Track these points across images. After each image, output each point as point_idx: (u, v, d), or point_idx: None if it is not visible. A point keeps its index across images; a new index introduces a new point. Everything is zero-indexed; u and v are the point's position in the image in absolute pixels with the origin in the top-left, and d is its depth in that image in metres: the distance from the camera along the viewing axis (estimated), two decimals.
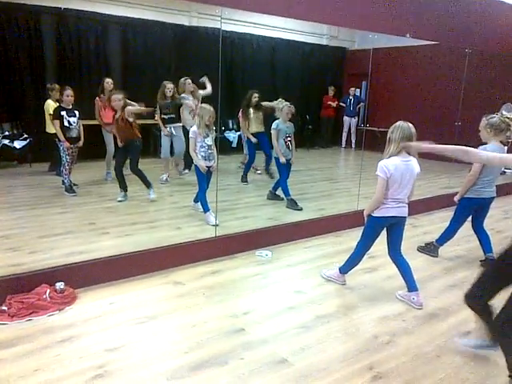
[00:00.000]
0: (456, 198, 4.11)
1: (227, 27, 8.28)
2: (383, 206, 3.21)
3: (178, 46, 8.77)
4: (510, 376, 2.24)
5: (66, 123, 5.56)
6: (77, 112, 5.68)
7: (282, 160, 5.47)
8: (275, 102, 6.12)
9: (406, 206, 3.29)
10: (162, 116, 6.50)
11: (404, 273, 3.40)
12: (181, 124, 6.64)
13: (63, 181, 5.71)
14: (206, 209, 4.78)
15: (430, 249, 4.40)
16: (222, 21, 4.96)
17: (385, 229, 3.40)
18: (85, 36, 7.87)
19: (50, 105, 6.02)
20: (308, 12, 4.31)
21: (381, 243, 4.34)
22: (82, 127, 5.80)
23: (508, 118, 3.66)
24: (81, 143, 5.76)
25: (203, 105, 4.89)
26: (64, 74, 7.61)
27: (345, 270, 3.63)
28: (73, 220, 4.76)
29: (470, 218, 4.22)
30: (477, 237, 4.23)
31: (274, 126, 5.49)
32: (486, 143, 3.80)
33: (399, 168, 3.10)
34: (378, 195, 3.15)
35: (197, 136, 4.70)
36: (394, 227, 3.36)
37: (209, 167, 4.81)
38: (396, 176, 3.10)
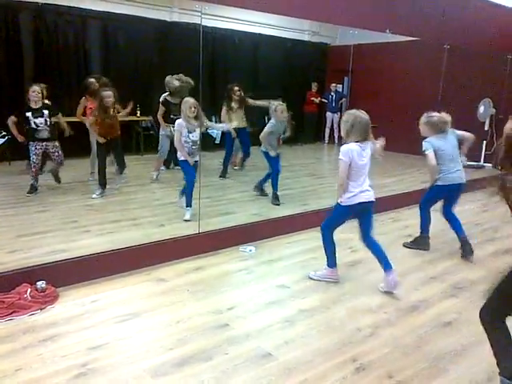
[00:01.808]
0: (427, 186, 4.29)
1: (209, 23, 8.19)
2: (349, 193, 3.33)
3: (159, 41, 8.67)
4: (499, 374, 2.25)
5: (32, 125, 5.29)
6: (46, 111, 5.37)
7: (273, 153, 5.43)
8: (267, 101, 6.15)
9: (371, 190, 3.42)
10: (171, 116, 6.28)
11: (378, 254, 3.48)
12: None
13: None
14: (188, 204, 4.77)
15: (417, 243, 4.41)
16: (203, 16, 4.95)
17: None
18: (64, 32, 7.72)
19: None
20: (288, 7, 4.32)
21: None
22: (62, 124, 5.59)
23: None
24: (52, 144, 5.46)
25: (186, 98, 4.85)
26: (42, 70, 7.46)
27: (332, 262, 3.63)
28: (54, 218, 4.69)
29: (438, 208, 4.36)
30: (449, 223, 4.37)
31: (268, 127, 5.40)
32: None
33: (359, 153, 3.28)
34: (343, 178, 3.28)
35: (182, 129, 4.67)
36: (364, 213, 3.46)
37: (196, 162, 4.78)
38: (356, 161, 3.27)
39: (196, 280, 3.57)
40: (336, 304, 3.25)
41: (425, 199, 4.43)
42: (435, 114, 4.19)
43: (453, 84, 7.29)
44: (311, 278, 3.64)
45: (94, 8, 7.74)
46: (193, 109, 4.60)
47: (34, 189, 5.50)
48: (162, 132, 6.52)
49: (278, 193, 5.59)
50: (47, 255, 3.61)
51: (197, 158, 4.82)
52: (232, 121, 6.58)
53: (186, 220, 4.66)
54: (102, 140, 5.46)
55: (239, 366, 2.48)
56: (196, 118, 4.68)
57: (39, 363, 2.43)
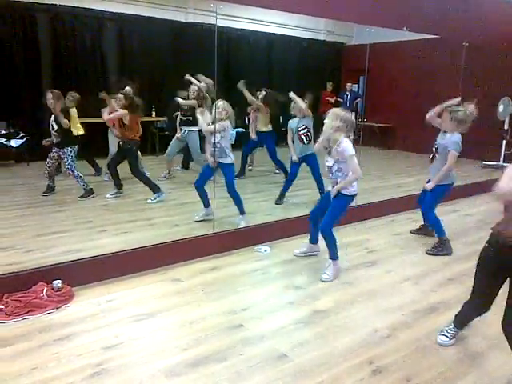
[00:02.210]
0: (430, 187, 4.17)
1: (223, 23, 8.20)
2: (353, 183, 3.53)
3: (174, 42, 8.72)
4: None
5: (50, 127, 5.48)
6: (58, 119, 5.37)
7: (294, 158, 5.35)
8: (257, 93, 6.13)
9: None
10: (180, 117, 6.41)
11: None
12: (197, 128, 6.29)
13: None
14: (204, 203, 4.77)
15: (440, 248, 4.24)
16: (218, 16, 4.94)
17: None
18: (81, 33, 7.83)
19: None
20: (303, 5, 4.28)
21: (380, 238, 4.34)
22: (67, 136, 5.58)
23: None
24: (62, 151, 5.44)
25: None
26: (59, 72, 7.57)
27: (334, 255, 3.66)
28: (70, 218, 4.74)
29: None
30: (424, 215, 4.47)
31: (290, 126, 5.42)
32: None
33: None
34: (359, 171, 3.46)
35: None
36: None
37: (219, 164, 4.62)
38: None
39: (211, 280, 3.56)
40: (352, 305, 3.21)
41: (431, 202, 4.28)
42: (459, 107, 4.09)
43: (472, 82, 7.16)
44: (325, 281, 3.58)
45: (109, 9, 7.83)
46: (219, 113, 4.49)
47: (50, 189, 5.57)
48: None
49: (292, 192, 5.56)
50: (63, 255, 3.64)
51: (219, 160, 4.59)
52: (259, 125, 6.58)
53: (195, 221, 4.69)
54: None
55: (254, 367, 2.45)
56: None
57: (55, 362, 2.44)
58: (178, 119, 6.53)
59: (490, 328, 2.88)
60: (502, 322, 2.33)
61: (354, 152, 3.42)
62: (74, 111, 5.96)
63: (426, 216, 4.42)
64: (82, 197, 5.48)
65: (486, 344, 2.73)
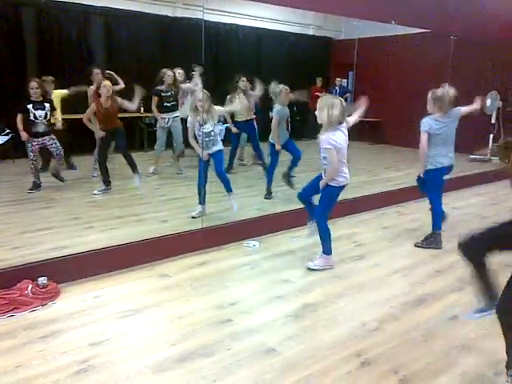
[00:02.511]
0: (421, 174, 4.18)
1: (212, 18, 8.20)
2: (340, 174, 3.50)
3: (162, 36, 8.65)
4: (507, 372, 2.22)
5: (31, 117, 5.28)
6: (47, 105, 5.41)
7: (278, 147, 5.35)
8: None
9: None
10: (164, 103, 6.35)
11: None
12: (179, 114, 6.47)
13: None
14: (201, 201, 4.69)
15: (430, 241, 4.22)
16: (206, 11, 4.89)
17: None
18: (67, 28, 7.72)
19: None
20: None
21: (369, 231, 4.35)
22: (58, 119, 5.69)
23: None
24: (49, 137, 5.41)
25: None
26: (46, 67, 7.44)
27: (327, 249, 3.66)
28: (56, 215, 4.68)
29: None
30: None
31: (275, 111, 5.29)
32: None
33: (340, 137, 3.43)
34: (336, 164, 3.42)
35: (193, 123, 4.57)
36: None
37: (210, 154, 4.63)
38: (341, 145, 3.43)
39: (199, 275, 3.53)
40: (341, 298, 3.20)
41: (431, 191, 4.27)
42: (440, 89, 4.09)
43: (459, 76, 7.19)
44: (311, 269, 3.65)
45: (96, 4, 7.73)
46: (202, 102, 4.46)
47: (36, 186, 5.49)
48: (158, 125, 6.52)
49: (282, 188, 5.54)
50: (50, 251, 3.59)
51: (211, 151, 4.62)
52: (237, 114, 6.51)
53: (192, 217, 4.58)
54: (100, 134, 5.45)
55: (242, 362, 2.44)
56: (207, 111, 4.54)
57: (40, 359, 2.40)
58: (156, 108, 6.42)
59: (479, 319, 2.90)
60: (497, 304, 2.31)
61: (330, 146, 3.36)
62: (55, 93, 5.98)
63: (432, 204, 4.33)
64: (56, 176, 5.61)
65: (473, 334, 2.74)
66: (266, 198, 5.53)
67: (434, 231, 4.23)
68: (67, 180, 5.84)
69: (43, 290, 3.03)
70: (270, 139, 5.46)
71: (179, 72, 6.60)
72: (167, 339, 2.63)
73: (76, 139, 6.23)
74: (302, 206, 5.08)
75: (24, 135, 5.28)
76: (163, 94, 6.34)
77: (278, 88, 5.28)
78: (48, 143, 5.42)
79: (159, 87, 6.36)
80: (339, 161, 3.44)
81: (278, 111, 5.27)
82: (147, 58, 8.49)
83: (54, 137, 5.47)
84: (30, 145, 5.34)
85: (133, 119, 7.71)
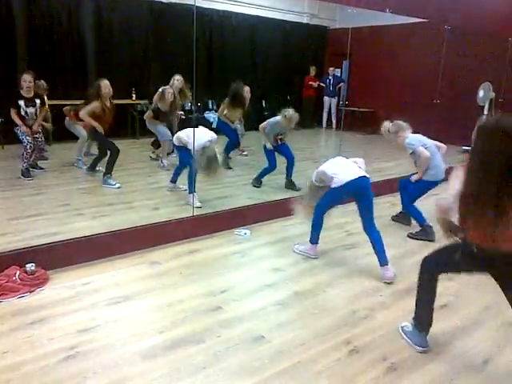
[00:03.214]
0: (414, 179, 4.29)
1: (205, 4, 8.09)
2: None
3: (154, 22, 8.49)
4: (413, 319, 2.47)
5: (22, 113, 5.26)
6: (38, 101, 5.38)
7: (269, 146, 5.39)
8: None
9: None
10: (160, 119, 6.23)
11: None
12: None
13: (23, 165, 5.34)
14: (191, 189, 4.62)
15: (421, 233, 4.28)
16: None
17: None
18: (57, 14, 7.55)
19: None
20: None
21: (359, 220, 4.33)
22: (47, 114, 5.67)
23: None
24: (35, 128, 5.41)
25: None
26: (35, 54, 7.31)
27: (313, 238, 3.67)
28: (46, 202, 4.63)
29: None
30: (402, 199, 4.53)
31: (272, 124, 5.30)
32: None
33: None
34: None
35: None
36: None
37: None
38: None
39: (189, 263, 3.52)
40: (331, 287, 3.21)
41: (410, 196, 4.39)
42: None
43: (453, 67, 7.18)
44: (294, 251, 3.74)
45: None
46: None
47: (28, 171, 5.38)
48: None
49: (274, 177, 5.53)
50: (38, 238, 3.55)
51: None
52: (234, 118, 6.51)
53: (197, 207, 4.40)
54: (101, 129, 5.29)
55: (231, 349, 2.44)
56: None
57: (27, 346, 2.39)
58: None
59: (467, 308, 2.92)
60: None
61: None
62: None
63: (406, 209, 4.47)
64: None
65: (462, 323, 2.76)
66: (254, 186, 5.51)
67: (422, 224, 4.27)
68: (56, 166, 5.78)
69: (31, 276, 3.00)
70: (262, 143, 5.49)
71: (178, 79, 6.40)
72: (156, 326, 2.62)
73: (62, 126, 6.13)
74: (294, 194, 5.11)
75: (24, 129, 5.24)
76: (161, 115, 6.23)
77: (287, 112, 5.26)
78: (35, 135, 5.44)
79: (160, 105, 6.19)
80: None
81: (276, 124, 5.29)
82: (139, 44, 8.37)
83: (40, 131, 5.55)
84: (20, 132, 5.28)
85: (124, 106, 7.61)
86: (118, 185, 5.23)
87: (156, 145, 6.58)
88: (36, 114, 5.38)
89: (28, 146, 5.27)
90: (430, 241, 4.17)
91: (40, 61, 7.03)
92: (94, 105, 5.19)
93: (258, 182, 5.60)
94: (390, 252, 3.83)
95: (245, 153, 7.28)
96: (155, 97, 6.20)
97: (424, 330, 2.48)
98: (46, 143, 6.06)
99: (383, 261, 3.38)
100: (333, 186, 3.48)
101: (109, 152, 5.34)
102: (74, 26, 7.82)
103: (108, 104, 5.28)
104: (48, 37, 7.54)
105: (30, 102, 5.30)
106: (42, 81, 5.99)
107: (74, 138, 6.12)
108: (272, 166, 5.51)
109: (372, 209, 3.52)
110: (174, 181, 5.13)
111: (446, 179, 4.18)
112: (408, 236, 4.27)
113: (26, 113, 5.29)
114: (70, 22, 7.75)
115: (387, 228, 4.44)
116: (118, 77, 5.97)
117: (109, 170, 5.29)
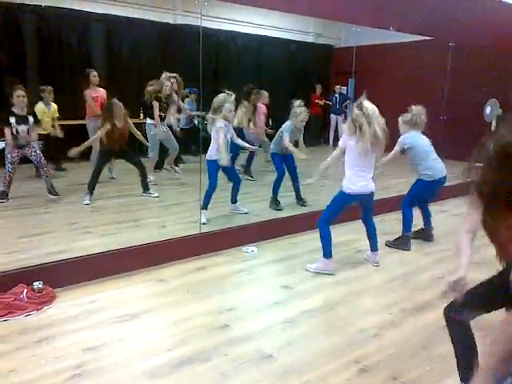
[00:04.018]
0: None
1: (212, 25, 8.22)
2: (351, 181, 3.67)
3: (162, 44, 8.66)
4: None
5: (13, 131, 4.92)
6: (30, 118, 5.08)
7: (302, 155, 5.23)
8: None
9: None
10: (160, 114, 6.30)
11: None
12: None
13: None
14: (205, 206, 4.61)
15: (401, 242, 4.34)
16: (206, 18, 4.90)
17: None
18: (67, 34, 7.73)
19: (40, 108, 5.88)
20: (289, 4, 4.26)
21: (366, 238, 4.29)
22: (35, 133, 5.18)
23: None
24: (28, 147, 5.07)
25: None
26: (45, 73, 7.45)
27: (327, 253, 3.66)
28: (54, 220, 4.65)
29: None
30: (422, 214, 4.57)
31: (286, 129, 5.21)
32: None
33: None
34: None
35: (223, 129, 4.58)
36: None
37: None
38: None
39: (197, 280, 3.50)
40: (339, 304, 3.17)
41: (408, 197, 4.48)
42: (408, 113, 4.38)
43: (459, 84, 7.20)
44: (307, 270, 3.70)
45: (96, 11, 7.75)
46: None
47: (4, 195, 5.05)
48: (152, 132, 6.30)
49: (282, 194, 5.50)
50: (46, 256, 3.54)
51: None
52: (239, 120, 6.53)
53: (204, 223, 4.42)
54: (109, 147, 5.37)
55: (239, 368, 2.40)
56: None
57: (33, 364, 2.37)
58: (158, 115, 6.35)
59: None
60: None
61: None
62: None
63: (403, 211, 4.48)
64: None
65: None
66: (276, 210, 5.30)
67: (406, 233, 4.36)
68: (65, 186, 5.81)
69: (38, 294, 3.00)
70: (270, 150, 5.46)
71: (173, 80, 6.59)
72: (163, 344, 2.60)
73: (71, 145, 6.19)
74: (300, 211, 5.10)
75: (10, 147, 4.95)
76: (162, 104, 6.36)
77: (297, 109, 5.26)
78: (28, 152, 5.10)
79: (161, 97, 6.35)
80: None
81: (289, 130, 5.22)
82: (148, 64, 8.50)
83: (34, 145, 5.15)
84: (9, 156, 4.98)
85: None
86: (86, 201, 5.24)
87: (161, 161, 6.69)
88: (28, 132, 5.02)
89: (7, 175, 5.01)
90: (404, 250, 4.28)
91: (48, 81, 7.13)
92: (105, 128, 5.24)
93: (276, 203, 5.38)
94: (400, 270, 3.82)
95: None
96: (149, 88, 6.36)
97: None
98: (55, 162, 6.00)
99: (374, 247, 3.84)
100: (343, 189, 3.65)
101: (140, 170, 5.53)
102: (83, 47, 8.00)
103: (119, 124, 5.31)
104: (57, 57, 7.70)
105: (21, 119, 4.99)
106: (49, 87, 6.13)
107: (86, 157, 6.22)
108: (280, 174, 5.40)
109: (372, 206, 3.87)
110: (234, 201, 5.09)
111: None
112: (386, 244, 4.36)
113: (16, 131, 4.95)
114: (79, 43, 7.92)
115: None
116: (125, 97, 6.02)
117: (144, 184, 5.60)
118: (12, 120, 4.92)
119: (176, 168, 6.68)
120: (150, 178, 6.15)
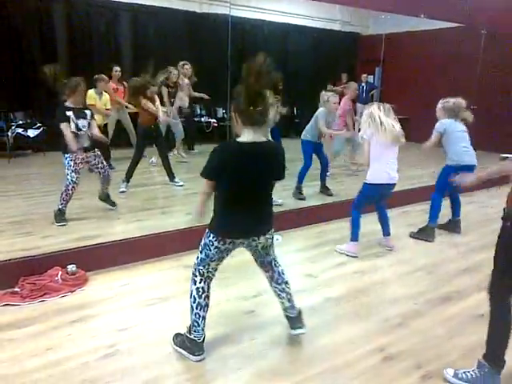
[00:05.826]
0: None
1: (238, 13, 8.20)
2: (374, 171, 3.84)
3: (188, 32, 8.71)
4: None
5: (73, 127, 4.08)
6: (88, 111, 4.26)
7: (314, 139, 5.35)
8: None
9: None
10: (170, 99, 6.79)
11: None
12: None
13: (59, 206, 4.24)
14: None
15: (425, 233, 4.32)
16: (232, 7, 4.92)
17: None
18: (96, 23, 7.87)
19: (91, 95, 5.90)
20: None
21: (393, 228, 4.29)
22: (97, 131, 4.35)
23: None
24: (94, 154, 4.32)
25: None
26: (75, 63, 7.61)
27: (353, 236, 3.83)
28: (85, 206, 4.78)
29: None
30: (451, 202, 4.53)
31: (322, 115, 5.25)
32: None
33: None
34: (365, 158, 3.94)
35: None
36: None
37: None
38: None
39: (223, 267, 3.53)
40: (363, 293, 3.20)
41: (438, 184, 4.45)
42: (451, 99, 4.29)
43: (490, 72, 7.03)
44: (336, 250, 3.90)
45: (124, 0, 7.84)
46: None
47: (62, 215, 4.26)
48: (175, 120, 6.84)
49: (310, 182, 5.53)
50: (78, 241, 3.69)
51: None
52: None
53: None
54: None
55: (265, 352, 2.47)
56: None
57: (68, 343, 2.49)
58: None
59: None
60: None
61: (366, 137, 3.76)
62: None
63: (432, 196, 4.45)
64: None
65: None
66: (299, 199, 5.31)
67: (431, 223, 4.36)
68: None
69: (72, 276, 3.13)
70: (302, 138, 5.44)
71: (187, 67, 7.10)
72: None
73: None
74: (323, 201, 5.11)
75: (74, 146, 4.07)
76: (170, 90, 6.88)
77: (326, 95, 5.29)
78: (93, 161, 4.33)
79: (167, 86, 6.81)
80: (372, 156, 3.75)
81: (323, 115, 5.27)
82: (174, 53, 8.55)
83: (99, 153, 4.40)
84: (72, 162, 4.15)
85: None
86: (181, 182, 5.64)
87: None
88: (89, 127, 4.24)
89: (70, 187, 4.22)
90: (429, 241, 4.26)
91: (78, 71, 7.26)
92: (146, 104, 5.37)
93: (300, 193, 5.38)
94: (425, 260, 3.80)
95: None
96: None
97: (500, 370, 2.22)
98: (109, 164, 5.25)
99: (387, 232, 4.00)
100: (366, 180, 3.81)
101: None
102: (111, 36, 8.14)
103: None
104: (86, 46, 7.86)
105: (79, 112, 4.16)
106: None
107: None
108: (308, 164, 5.39)
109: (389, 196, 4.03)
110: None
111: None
112: (410, 236, 4.38)
113: (76, 126, 4.11)
114: (107, 32, 8.06)
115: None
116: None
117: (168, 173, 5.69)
118: (69, 113, 4.07)
119: (182, 154, 7.14)
120: (153, 160, 6.49)
